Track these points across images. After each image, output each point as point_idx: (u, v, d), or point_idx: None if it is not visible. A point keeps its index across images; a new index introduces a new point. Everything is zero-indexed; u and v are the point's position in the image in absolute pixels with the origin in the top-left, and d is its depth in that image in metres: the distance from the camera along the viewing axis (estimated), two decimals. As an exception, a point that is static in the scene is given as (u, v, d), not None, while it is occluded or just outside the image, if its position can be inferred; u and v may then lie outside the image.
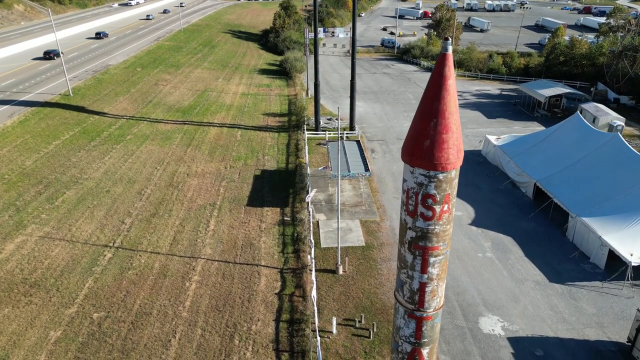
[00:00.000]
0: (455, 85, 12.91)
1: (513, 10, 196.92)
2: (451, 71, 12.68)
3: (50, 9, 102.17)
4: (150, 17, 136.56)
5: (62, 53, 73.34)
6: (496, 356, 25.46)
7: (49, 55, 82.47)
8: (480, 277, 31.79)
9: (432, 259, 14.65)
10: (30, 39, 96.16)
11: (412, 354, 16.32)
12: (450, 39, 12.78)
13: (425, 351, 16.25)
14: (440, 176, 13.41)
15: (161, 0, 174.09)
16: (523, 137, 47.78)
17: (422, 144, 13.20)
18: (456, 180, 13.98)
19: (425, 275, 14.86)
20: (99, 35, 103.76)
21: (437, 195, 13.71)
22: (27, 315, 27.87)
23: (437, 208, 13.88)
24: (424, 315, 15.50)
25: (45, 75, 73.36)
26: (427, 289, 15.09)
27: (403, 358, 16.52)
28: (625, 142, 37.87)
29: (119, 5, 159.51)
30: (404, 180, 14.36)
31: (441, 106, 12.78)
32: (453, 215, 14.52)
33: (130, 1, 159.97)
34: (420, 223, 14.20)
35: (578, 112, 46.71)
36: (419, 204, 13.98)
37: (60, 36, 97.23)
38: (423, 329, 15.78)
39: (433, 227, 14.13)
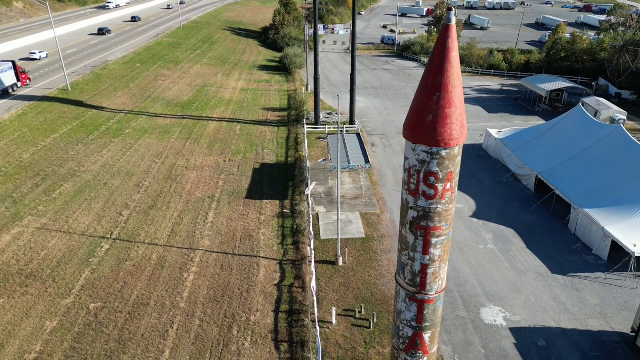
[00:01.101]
0: (458, 58, 12.55)
1: (513, 9, 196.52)
2: (454, 43, 12.30)
3: (49, 5, 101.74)
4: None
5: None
6: (498, 346, 25.11)
7: (102, 32, 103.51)
8: (481, 268, 31.42)
9: (434, 240, 14.29)
10: (31, 33, 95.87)
11: (413, 339, 15.97)
12: (453, 9, 12.41)
13: (426, 336, 15.90)
14: (443, 153, 13.05)
15: (147, 2, 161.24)
16: (524, 130, 47.41)
17: (425, 120, 12.84)
18: (459, 158, 13.61)
19: (427, 257, 14.51)
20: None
21: (440, 173, 13.35)
22: (22, 306, 27.51)
23: (440, 186, 13.53)
24: (426, 298, 15.15)
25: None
26: (429, 271, 14.74)
27: (404, 343, 16.17)
28: (628, 133, 37.48)
29: (96, 8, 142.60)
30: (406, 159, 14.01)
31: (444, 79, 12.41)
32: (456, 194, 14.16)
33: (108, 4, 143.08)
34: (422, 202, 13.84)
35: (580, 104, 46.30)
36: (421, 182, 13.62)
37: (63, 31, 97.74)
38: (425, 312, 15.42)
39: (435, 206, 13.77)
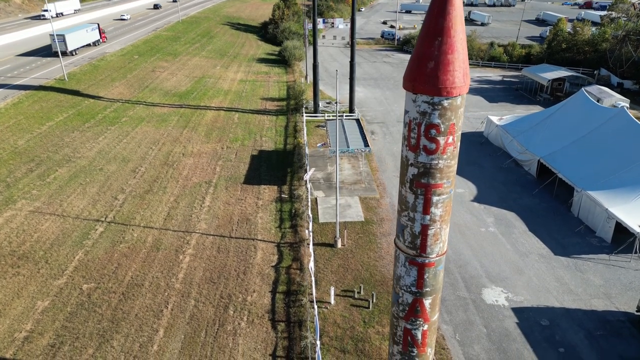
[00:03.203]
0: (461, 0, 11.97)
1: (513, 5, 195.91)
2: (457, -17, 11.72)
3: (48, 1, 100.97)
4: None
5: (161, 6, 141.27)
6: (500, 326, 24.51)
7: (156, 6, 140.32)
8: (483, 250, 30.82)
9: (435, 198, 13.67)
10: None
11: (413, 305, 15.35)
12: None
13: (427, 302, 15.28)
14: (445, 103, 12.44)
15: (102, 9, 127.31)
16: (525, 116, 46.80)
17: (426, 67, 12.23)
18: (462, 110, 13.00)
19: (428, 217, 13.89)
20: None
21: (442, 125, 12.74)
22: (13, 286, 26.91)
23: (441, 140, 12.91)
24: (426, 261, 14.52)
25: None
26: (429, 232, 14.12)
27: (404, 310, 15.54)
28: (632, 116, 36.86)
29: (29, 18, 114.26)
30: (406, 112, 13.39)
31: (446, 23, 11.81)
32: (458, 150, 13.54)
33: (42, 14, 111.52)
34: (422, 158, 13.23)
35: (583, 89, 45.67)
36: (421, 136, 13.00)
37: (61, 25, 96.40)
38: (425, 277, 14.79)
39: (437, 162, 13.15)
